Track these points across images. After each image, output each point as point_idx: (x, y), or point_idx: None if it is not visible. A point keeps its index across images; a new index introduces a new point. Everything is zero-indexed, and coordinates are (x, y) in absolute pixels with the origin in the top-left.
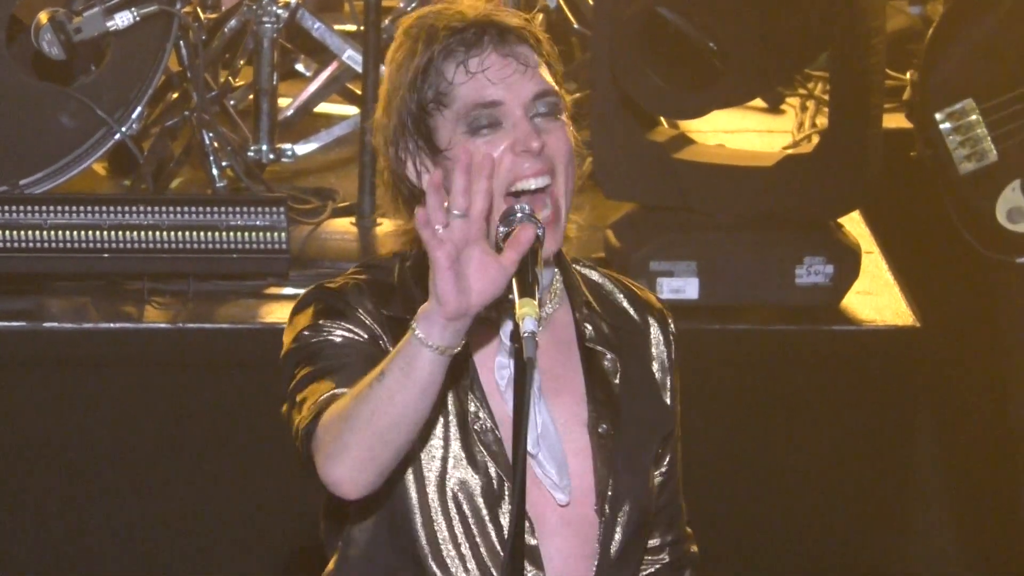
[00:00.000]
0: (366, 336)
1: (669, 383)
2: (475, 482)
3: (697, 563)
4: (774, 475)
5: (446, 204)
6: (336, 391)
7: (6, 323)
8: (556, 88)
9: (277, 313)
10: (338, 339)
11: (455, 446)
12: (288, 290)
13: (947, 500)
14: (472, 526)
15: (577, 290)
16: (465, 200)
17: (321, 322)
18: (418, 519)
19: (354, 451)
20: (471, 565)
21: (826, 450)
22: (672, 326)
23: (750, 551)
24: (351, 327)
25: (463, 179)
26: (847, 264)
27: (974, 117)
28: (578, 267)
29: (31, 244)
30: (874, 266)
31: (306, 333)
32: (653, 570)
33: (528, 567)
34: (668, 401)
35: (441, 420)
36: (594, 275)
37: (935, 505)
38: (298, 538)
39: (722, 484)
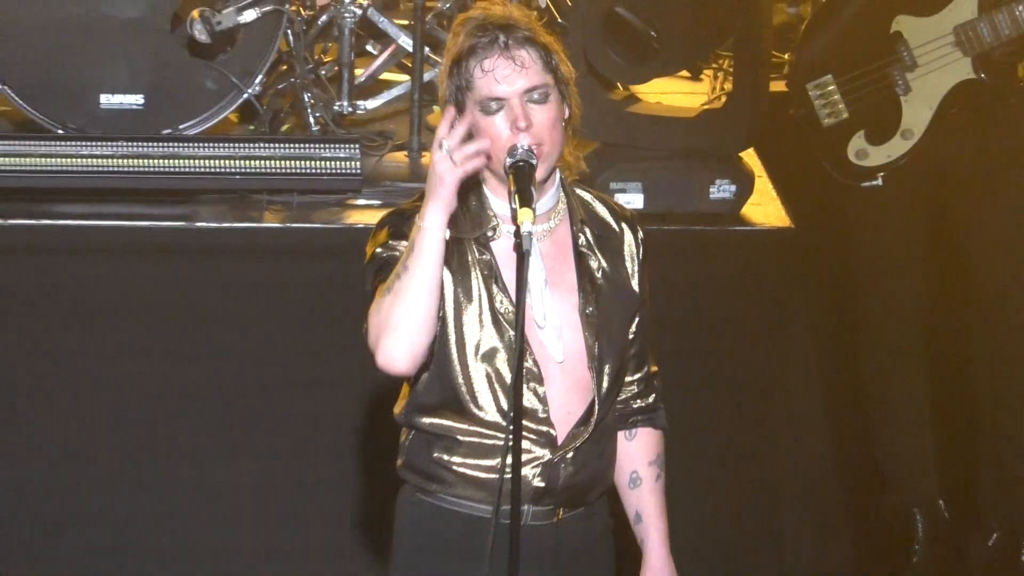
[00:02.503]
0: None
1: (637, 273)
2: (499, 345)
3: (660, 388)
4: (683, 339)
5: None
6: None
7: (170, 223)
8: (546, 82)
9: (354, 217)
10: (399, 253)
11: (487, 322)
12: (361, 201)
13: (811, 359)
14: (497, 375)
15: (575, 210)
16: (451, 142)
17: (391, 242)
18: (459, 375)
19: (388, 329)
20: (495, 402)
21: (724, 311)
22: (641, 233)
23: None
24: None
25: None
26: (744, 184)
27: (832, 87)
28: (577, 190)
29: (187, 168)
30: (762, 186)
31: (379, 250)
32: (628, 395)
33: (537, 403)
34: (636, 288)
35: (477, 306)
36: (587, 195)
37: (802, 364)
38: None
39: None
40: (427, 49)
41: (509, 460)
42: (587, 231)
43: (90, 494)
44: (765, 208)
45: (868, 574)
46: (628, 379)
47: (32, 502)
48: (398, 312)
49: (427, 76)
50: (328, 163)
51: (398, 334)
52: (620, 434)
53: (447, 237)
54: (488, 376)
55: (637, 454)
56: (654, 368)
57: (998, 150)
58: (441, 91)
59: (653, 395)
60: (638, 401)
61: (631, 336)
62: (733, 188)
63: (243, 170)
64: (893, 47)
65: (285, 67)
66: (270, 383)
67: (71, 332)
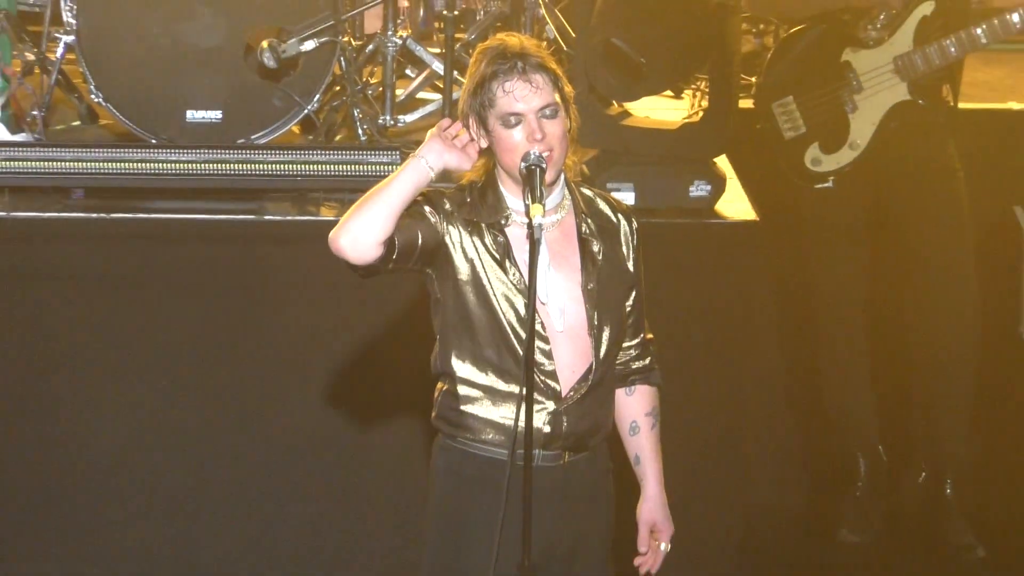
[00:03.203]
0: (435, 219)
1: (632, 256)
2: (511, 310)
3: (654, 352)
4: (668, 311)
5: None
6: None
7: (243, 216)
8: (555, 100)
9: None
10: (420, 209)
11: (500, 291)
12: None
13: (774, 328)
14: (511, 333)
15: (578, 204)
16: (460, 140)
17: (422, 202)
18: (478, 334)
19: (356, 212)
20: (510, 356)
21: (702, 288)
22: (635, 223)
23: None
24: (432, 210)
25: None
26: (718, 184)
27: (792, 106)
28: (580, 189)
29: (257, 171)
30: (733, 186)
31: (411, 206)
32: (627, 358)
33: (543, 358)
34: (631, 268)
35: (494, 277)
36: (589, 192)
37: (766, 331)
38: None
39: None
40: (455, 73)
41: (521, 413)
42: (589, 221)
43: (174, 456)
44: (735, 204)
45: (819, 506)
46: (626, 344)
47: (118, 463)
48: (366, 205)
49: (455, 95)
50: (373, 167)
51: (356, 220)
52: (620, 390)
53: (432, 177)
54: (501, 335)
55: (636, 407)
56: (649, 335)
57: (927, 157)
58: (461, 106)
59: (649, 358)
60: (636, 363)
61: (628, 308)
62: (709, 187)
63: (303, 173)
64: (843, 73)
65: (338, 88)
66: (328, 352)
67: (161, 308)
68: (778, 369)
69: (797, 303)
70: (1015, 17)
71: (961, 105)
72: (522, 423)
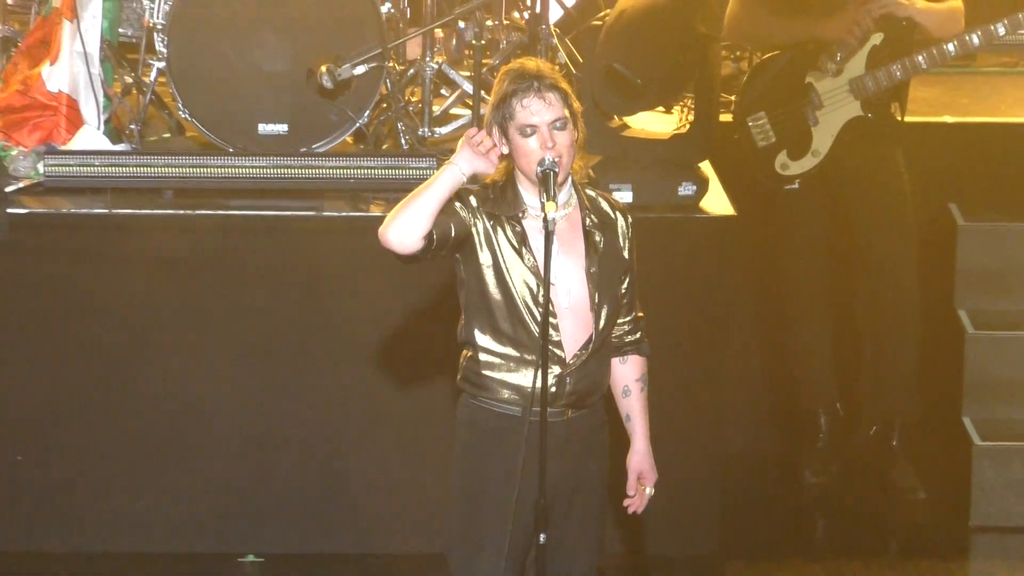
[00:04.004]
0: (464, 213)
1: (627, 246)
2: (525, 289)
3: (644, 326)
4: (659, 290)
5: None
6: None
7: (305, 212)
8: (565, 115)
9: None
10: (452, 206)
11: (517, 273)
12: None
13: (749, 305)
14: (524, 308)
15: (583, 202)
16: (484, 146)
17: (453, 200)
18: (496, 308)
19: (399, 212)
20: (523, 327)
21: (689, 271)
22: (630, 218)
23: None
24: (462, 206)
25: (487, 144)
26: (702, 185)
27: (764, 120)
28: (585, 190)
29: (317, 175)
30: (714, 187)
31: (445, 204)
32: (621, 332)
33: (552, 332)
34: (626, 256)
35: (511, 261)
36: (592, 193)
37: (742, 308)
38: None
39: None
40: (482, 92)
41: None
42: (592, 216)
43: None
44: (716, 202)
45: (787, 454)
46: (620, 320)
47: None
48: (410, 205)
49: (482, 111)
50: (414, 171)
51: (402, 217)
52: (615, 359)
53: (465, 181)
54: (515, 310)
55: (628, 373)
56: (640, 314)
57: (877, 163)
58: (486, 118)
59: (639, 332)
60: (629, 336)
61: (623, 290)
62: (694, 188)
63: (356, 176)
64: (806, 93)
65: (385, 105)
66: (374, 326)
67: (236, 289)
68: (753, 340)
69: (769, 285)
70: (950, 47)
71: (907, 119)
72: (539, 385)
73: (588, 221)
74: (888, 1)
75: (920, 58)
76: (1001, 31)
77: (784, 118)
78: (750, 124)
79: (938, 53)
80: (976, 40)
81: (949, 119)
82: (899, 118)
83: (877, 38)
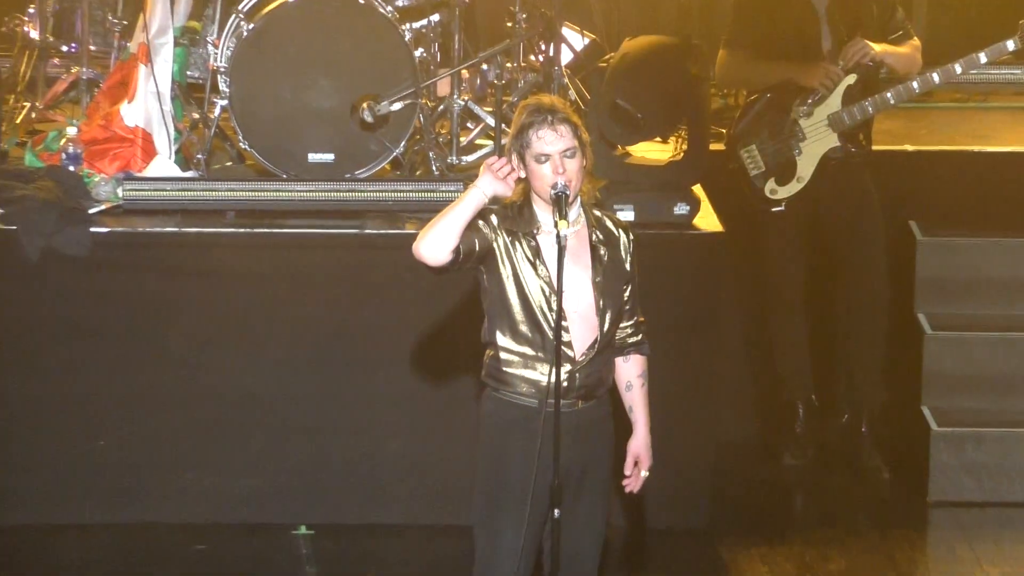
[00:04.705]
0: (487, 230)
1: (629, 260)
2: (540, 296)
3: (645, 329)
4: (658, 297)
5: (499, 166)
6: None
7: (348, 231)
8: (575, 144)
9: None
10: (476, 224)
11: (532, 281)
12: None
13: (736, 312)
14: (539, 313)
15: (590, 220)
16: (503, 171)
17: (477, 218)
18: (514, 313)
19: (430, 231)
20: (537, 330)
21: (683, 280)
22: (632, 235)
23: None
24: (485, 224)
25: (505, 170)
26: (695, 205)
27: (756, 152)
28: (592, 210)
29: (359, 198)
30: (705, 207)
31: (468, 228)
32: (624, 335)
33: (564, 334)
34: (628, 268)
35: (526, 272)
36: (598, 213)
37: (730, 314)
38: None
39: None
40: (503, 125)
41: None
42: (598, 233)
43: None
44: (707, 220)
45: (769, 439)
46: (623, 324)
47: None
48: (440, 223)
49: (503, 141)
50: (444, 194)
51: (433, 234)
52: (619, 358)
53: (487, 202)
54: (532, 314)
55: (631, 370)
56: (642, 318)
57: (850, 188)
58: (507, 146)
59: (641, 334)
60: (631, 338)
61: (625, 298)
62: (688, 208)
63: (393, 198)
64: (791, 127)
65: (418, 136)
66: (410, 328)
67: (290, 296)
68: (739, 341)
69: (754, 293)
70: (915, 84)
71: (873, 147)
72: (553, 380)
73: (595, 237)
74: (856, 53)
75: (889, 95)
76: (958, 69)
77: (772, 149)
78: (743, 155)
79: (904, 89)
80: (937, 78)
81: (910, 147)
82: (867, 146)
83: (851, 79)
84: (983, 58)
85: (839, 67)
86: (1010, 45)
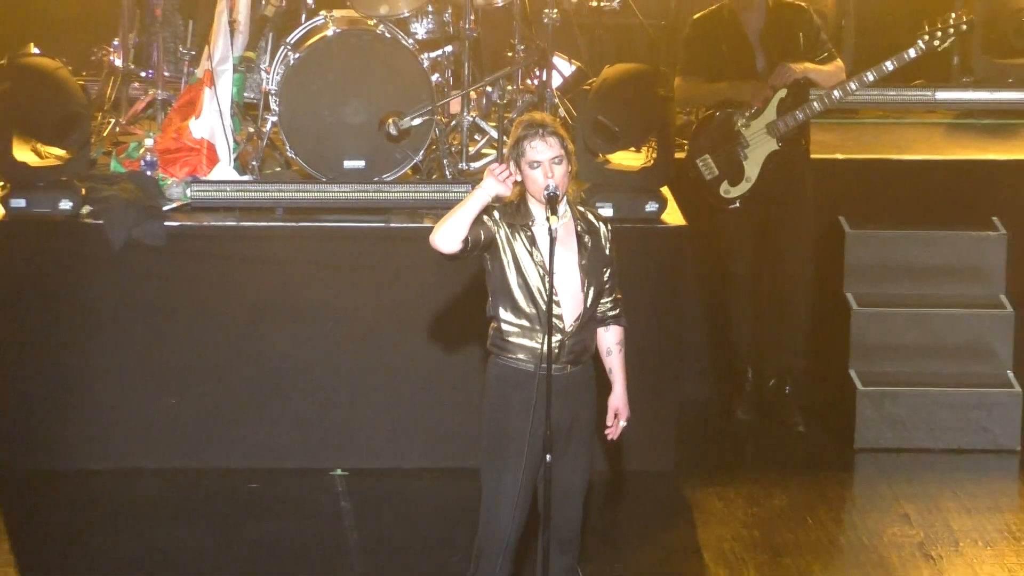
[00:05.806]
0: (490, 223)
1: (608, 246)
2: (535, 276)
3: (622, 304)
4: (631, 281)
5: (500, 171)
6: None
7: (376, 224)
8: (562, 153)
9: None
10: (482, 218)
11: (528, 264)
12: None
13: (698, 294)
14: (535, 290)
15: (575, 214)
16: (503, 175)
17: (483, 216)
18: (513, 290)
19: (443, 225)
20: (533, 305)
21: (652, 268)
22: (610, 227)
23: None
24: (489, 218)
25: (504, 174)
26: (663, 203)
27: (710, 160)
28: (577, 206)
29: (386, 198)
30: (671, 205)
31: (477, 216)
32: (604, 309)
33: (555, 308)
34: (607, 253)
35: (523, 257)
36: (581, 208)
37: (692, 296)
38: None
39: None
40: (504, 137)
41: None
42: (582, 224)
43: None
44: (673, 215)
45: (724, 398)
46: (604, 300)
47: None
48: (452, 218)
49: (504, 150)
50: (455, 194)
51: (446, 227)
52: (601, 329)
53: (490, 200)
54: (529, 293)
55: (611, 339)
56: (619, 295)
57: (790, 186)
58: (506, 155)
59: (618, 309)
60: (611, 311)
61: (606, 278)
62: (657, 206)
63: (414, 198)
64: (738, 136)
65: (434, 147)
66: (427, 306)
67: (328, 279)
68: (700, 315)
69: (712, 279)
70: (836, 93)
71: (811, 156)
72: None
73: (579, 228)
74: (784, 73)
75: (815, 104)
76: (870, 77)
77: (723, 156)
78: (698, 163)
79: (827, 98)
80: (853, 86)
81: (840, 156)
82: (807, 149)
83: (783, 93)
84: (889, 66)
85: (768, 85)
86: (911, 52)
